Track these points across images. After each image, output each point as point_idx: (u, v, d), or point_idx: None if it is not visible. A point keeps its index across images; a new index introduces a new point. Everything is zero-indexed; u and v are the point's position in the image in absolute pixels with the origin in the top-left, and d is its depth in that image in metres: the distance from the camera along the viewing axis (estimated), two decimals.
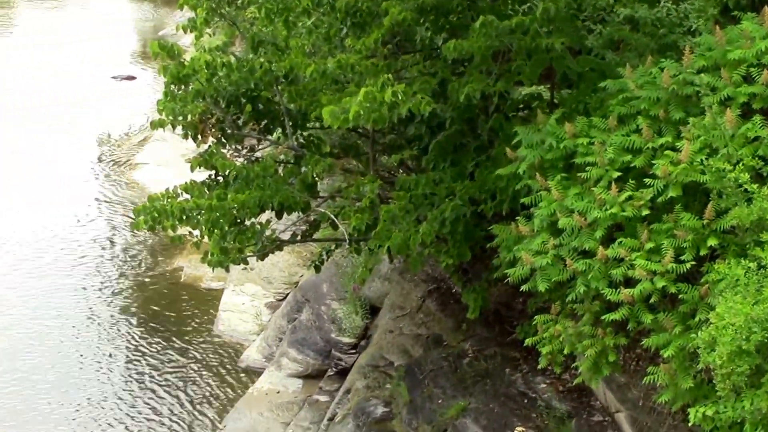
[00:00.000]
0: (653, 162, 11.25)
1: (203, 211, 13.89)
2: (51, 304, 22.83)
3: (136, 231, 14.74)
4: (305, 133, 15.48)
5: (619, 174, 11.38)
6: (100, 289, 23.50)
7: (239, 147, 15.74)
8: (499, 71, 13.75)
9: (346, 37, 14.09)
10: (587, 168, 11.63)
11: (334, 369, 18.63)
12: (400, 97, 12.20)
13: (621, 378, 13.49)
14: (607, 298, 11.02)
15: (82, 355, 20.82)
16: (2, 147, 32.16)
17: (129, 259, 25.00)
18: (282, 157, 15.96)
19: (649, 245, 10.87)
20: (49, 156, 31.39)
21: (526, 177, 12.29)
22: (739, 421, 9.98)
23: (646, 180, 11.16)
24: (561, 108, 13.11)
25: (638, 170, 11.42)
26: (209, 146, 14.98)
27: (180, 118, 14.51)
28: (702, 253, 10.72)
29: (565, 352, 11.89)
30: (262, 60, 14.39)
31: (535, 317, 12.31)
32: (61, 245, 25.70)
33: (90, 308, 22.66)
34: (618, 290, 10.91)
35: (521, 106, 15.34)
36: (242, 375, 20.06)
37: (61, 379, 20.06)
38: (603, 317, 11.25)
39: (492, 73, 13.74)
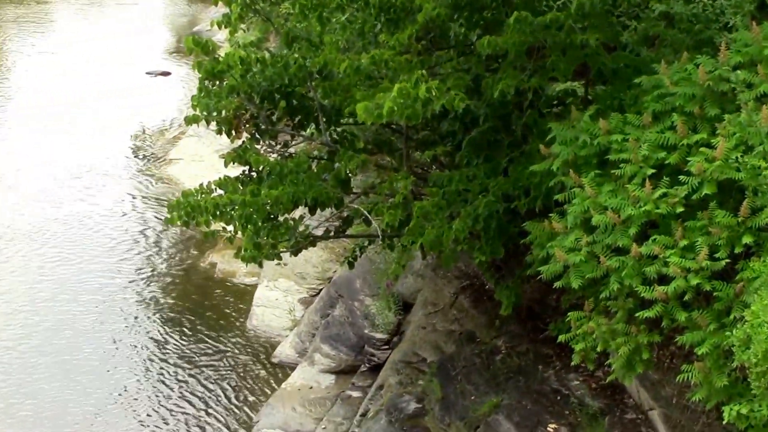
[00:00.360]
0: (688, 159, 11.19)
1: (237, 207, 13.95)
2: (86, 297, 22.97)
3: (169, 226, 14.81)
4: (339, 129, 15.50)
5: (653, 171, 11.33)
6: (133, 284, 23.61)
7: (273, 143, 15.78)
8: (534, 67, 13.71)
9: (380, 33, 14.09)
10: (621, 165, 11.58)
11: (366, 365, 18.64)
12: (433, 93, 12.19)
13: (654, 375, 13.44)
14: (641, 295, 10.97)
15: (116, 349, 20.94)
16: (38, 142, 32.41)
17: (163, 254, 25.10)
18: (315, 152, 15.99)
19: (684, 242, 10.81)
20: (83, 151, 31.57)
21: (560, 174, 12.25)
22: None
23: (681, 177, 11.10)
24: (595, 104, 13.06)
25: (673, 167, 11.36)
26: (243, 142, 15.02)
27: (214, 113, 14.55)
28: (737, 250, 10.65)
29: (599, 349, 11.83)
30: (296, 56, 14.41)
31: (569, 314, 12.26)
32: (96, 239, 25.85)
33: (123, 302, 22.77)
34: (652, 287, 10.85)
35: (555, 102, 15.30)
36: (275, 370, 20.11)
37: (96, 372, 20.20)
38: (637, 314, 11.20)
39: (526, 70, 13.70)
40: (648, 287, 10.90)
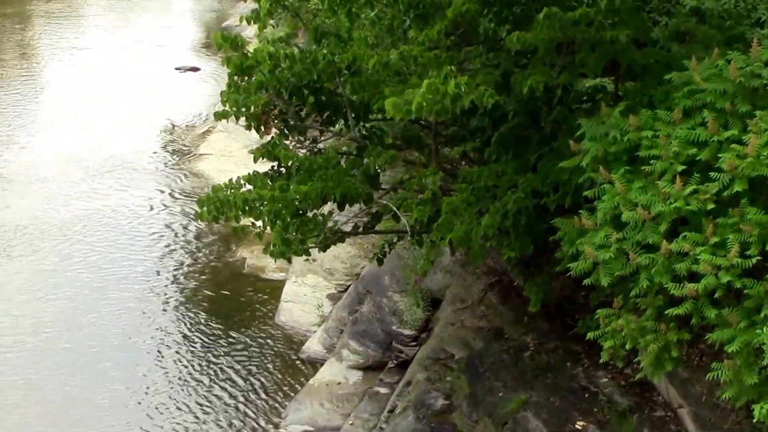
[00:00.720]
0: (719, 155, 11.11)
1: (266, 202, 13.96)
2: (115, 290, 23.10)
3: (199, 221, 14.90)
4: (367, 125, 15.49)
5: (683, 167, 11.25)
6: (163, 278, 23.72)
7: (302, 138, 15.79)
8: (563, 63, 13.66)
9: (409, 29, 14.06)
10: (651, 161, 11.51)
11: (394, 361, 18.63)
12: (462, 89, 12.15)
13: (684, 373, 13.36)
14: (671, 292, 10.91)
15: (145, 344, 21.04)
16: (69, 136, 32.58)
17: (192, 249, 25.18)
18: (344, 148, 15.99)
19: (714, 239, 10.74)
20: (113, 145, 31.71)
21: (590, 170, 12.19)
22: None
23: (712, 174, 11.03)
24: (625, 100, 12.99)
25: (703, 164, 11.28)
26: (272, 137, 15.04)
27: (243, 109, 14.58)
28: None
29: (627, 346, 11.77)
30: (324, 51, 14.42)
31: (598, 311, 12.20)
32: (126, 233, 25.99)
33: (153, 296, 22.88)
34: (682, 285, 10.78)
35: (585, 98, 15.24)
36: (303, 366, 20.14)
37: (126, 365, 20.31)
38: (666, 312, 11.13)
39: (555, 66, 13.65)
40: (678, 284, 10.83)
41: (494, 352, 15.98)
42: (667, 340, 11.44)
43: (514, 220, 13.59)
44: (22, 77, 38.86)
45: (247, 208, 14.04)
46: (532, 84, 13.14)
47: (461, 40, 14.61)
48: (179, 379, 19.84)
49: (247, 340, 21.07)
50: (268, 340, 21.04)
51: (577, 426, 14.05)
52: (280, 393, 19.30)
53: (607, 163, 12.00)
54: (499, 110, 14.58)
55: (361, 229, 16.16)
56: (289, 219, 14.24)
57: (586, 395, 14.52)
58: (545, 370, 15.20)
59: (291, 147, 15.39)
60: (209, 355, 20.60)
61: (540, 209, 13.81)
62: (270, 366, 20.19)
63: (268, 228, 14.50)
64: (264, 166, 15.13)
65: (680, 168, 11.24)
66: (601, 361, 12.47)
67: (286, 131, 15.16)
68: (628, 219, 11.31)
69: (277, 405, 18.92)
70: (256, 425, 18.43)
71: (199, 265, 24.38)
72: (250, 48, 14.88)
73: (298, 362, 20.28)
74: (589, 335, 12.38)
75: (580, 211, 12.18)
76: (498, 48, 14.58)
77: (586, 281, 11.74)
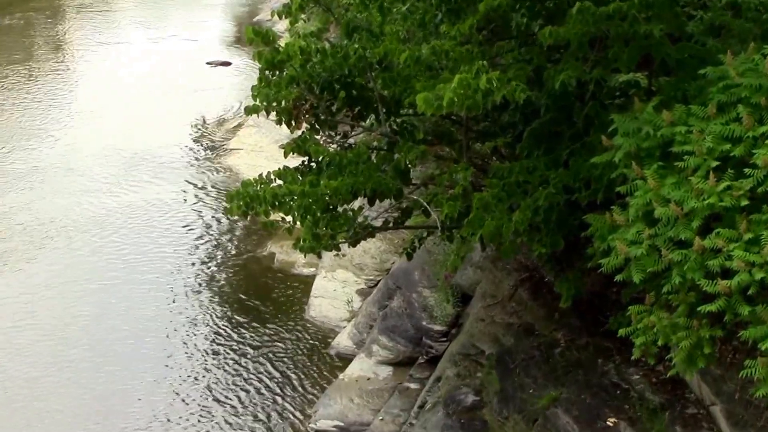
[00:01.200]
0: (753, 151, 11.02)
1: (296, 197, 13.96)
2: (146, 285, 23.18)
3: (229, 216, 14.94)
4: (398, 120, 15.46)
5: (717, 163, 11.16)
6: (192, 273, 23.76)
7: (332, 133, 15.78)
8: (596, 58, 13.58)
9: (440, 24, 14.01)
10: (685, 157, 11.43)
11: (424, 357, 18.59)
12: (494, 84, 12.11)
13: (716, 370, 13.27)
14: (704, 289, 10.83)
15: (175, 337, 21.10)
16: (100, 130, 32.72)
17: (222, 244, 25.23)
18: (375, 143, 15.96)
19: (748, 236, 10.65)
20: (144, 140, 31.80)
21: (622, 165, 12.13)
22: None
23: (746, 170, 10.94)
24: (659, 95, 12.90)
25: (738, 159, 11.19)
26: (303, 132, 15.03)
27: (274, 103, 14.58)
28: None
29: (659, 343, 11.70)
30: (356, 46, 14.39)
31: (629, 308, 12.13)
32: (157, 227, 26.06)
33: (183, 291, 22.92)
34: (715, 281, 10.70)
35: (618, 93, 15.12)
36: (333, 361, 20.13)
37: (155, 359, 20.37)
38: (699, 308, 11.05)
39: (588, 60, 13.57)
40: (711, 281, 10.75)
41: (525, 349, 15.92)
42: (699, 337, 11.35)
43: (546, 215, 13.53)
44: (54, 71, 39.06)
45: (276, 203, 14.06)
46: (564, 79, 13.08)
47: (493, 34, 14.54)
48: (208, 373, 19.86)
49: (278, 334, 21.09)
50: (298, 335, 21.05)
51: (608, 423, 13.99)
52: (310, 388, 19.30)
53: (639, 159, 11.93)
54: (530, 105, 14.49)
55: (391, 225, 16.12)
56: (319, 214, 14.24)
57: (618, 392, 14.45)
58: (576, 366, 15.14)
59: (321, 142, 15.38)
60: (239, 348, 20.63)
61: (571, 205, 13.74)
62: (300, 361, 20.20)
63: (298, 223, 14.50)
64: (294, 161, 15.12)
65: (714, 164, 11.15)
66: (632, 357, 12.41)
67: (317, 126, 15.15)
68: (660, 215, 11.23)
69: (307, 400, 18.92)
70: (287, 419, 18.44)
71: (229, 260, 24.42)
72: (282, 42, 14.88)
73: (327, 357, 20.27)
74: (621, 332, 12.29)
75: (612, 207, 12.13)
76: (530, 43, 14.50)
77: (618, 277, 11.68)
